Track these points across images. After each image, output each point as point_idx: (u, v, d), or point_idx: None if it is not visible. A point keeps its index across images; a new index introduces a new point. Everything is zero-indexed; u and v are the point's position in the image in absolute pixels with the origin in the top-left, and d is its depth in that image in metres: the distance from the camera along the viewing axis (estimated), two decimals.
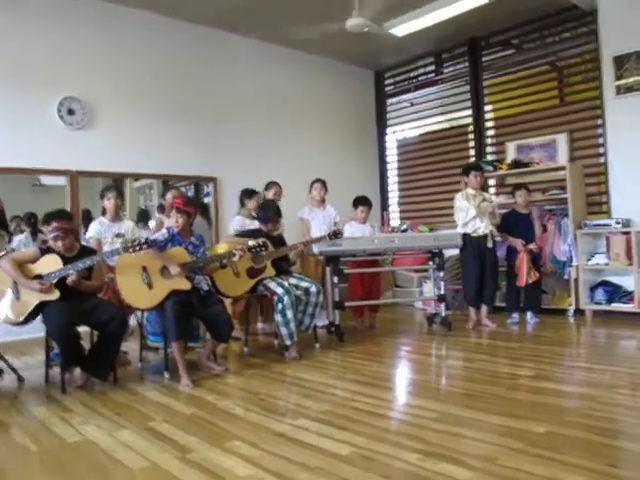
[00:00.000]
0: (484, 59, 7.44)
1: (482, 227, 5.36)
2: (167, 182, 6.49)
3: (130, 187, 6.57)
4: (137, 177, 6.45)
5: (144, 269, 3.81)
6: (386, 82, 8.65)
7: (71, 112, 5.71)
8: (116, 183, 5.96)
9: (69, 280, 3.57)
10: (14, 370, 4.05)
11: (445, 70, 7.96)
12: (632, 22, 5.73)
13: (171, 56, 6.44)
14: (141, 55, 6.23)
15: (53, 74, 5.63)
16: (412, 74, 8.36)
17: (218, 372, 3.97)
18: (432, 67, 8.11)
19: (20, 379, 4.02)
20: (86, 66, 5.84)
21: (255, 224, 4.92)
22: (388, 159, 8.62)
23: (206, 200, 6.71)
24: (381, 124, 8.62)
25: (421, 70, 8.25)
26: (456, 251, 5.85)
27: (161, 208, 5.39)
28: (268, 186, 5.71)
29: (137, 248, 3.64)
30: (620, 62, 5.83)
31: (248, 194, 5.49)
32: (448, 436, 2.57)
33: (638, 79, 5.72)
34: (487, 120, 7.51)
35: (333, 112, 8.01)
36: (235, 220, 5.43)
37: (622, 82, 5.83)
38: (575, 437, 2.50)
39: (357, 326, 5.58)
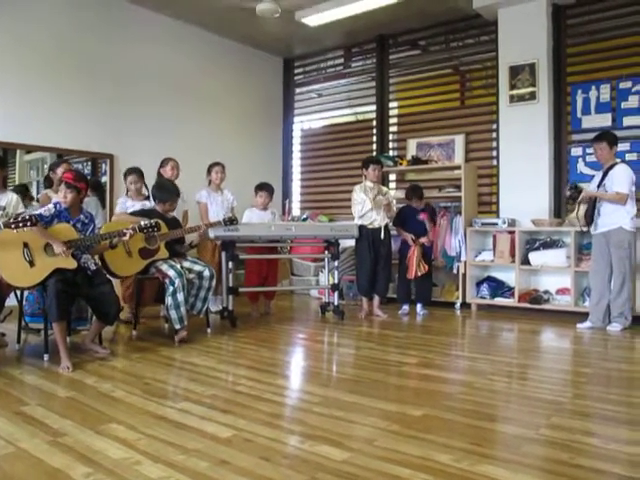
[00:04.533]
0: (391, 57, 7.62)
1: (378, 220, 5.49)
2: (61, 156, 6.15)
3: (20, 160, 6.18)
4: (29, 149, 6.06)
5: (25, 245, 3.58)
6: (295, 71, 8.65)
7: None
8: (3, 153, 5.58)
9: None
10: None
11: (353, 64, 8.08)
12: (527, 35, 6.05)
13: (74, 24, 6.08)
14: (43, 18, 5.84)
15: None
16: (322, 65, 8.42)
17: (102, 355, 3.82)
18: (341, 60, 8.21)
19: None
20: None
21: (140, 205, 4.79)
22: (293, 148, 8.63)
23: (103, 179, 6.43)
24: (288, 113, 8.62)
25: (330, 62, 8.32)
26: (351, 242, 5.96)
27: (48, 182, 5.09)
28: (164, 162, 5.45)
29: (20, 225, 3.40)
30: (515, 72, 6.15)
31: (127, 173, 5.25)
32: (329, 419, 2.61)
33: (529, 90, 6.05)
34: (391, 116, 7.71)
35: (240, 97, 7.91)
36: (119, 202, 5.20)
37: (515, 92, 6.16)
38: (448, 419, 2.62)
39: (252, 312, 5.56)
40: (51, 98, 5.92)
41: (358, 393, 3.03)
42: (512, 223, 5.97)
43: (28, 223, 3.41)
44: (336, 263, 5.44)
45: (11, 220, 3.46)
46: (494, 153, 6.59)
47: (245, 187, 5.95)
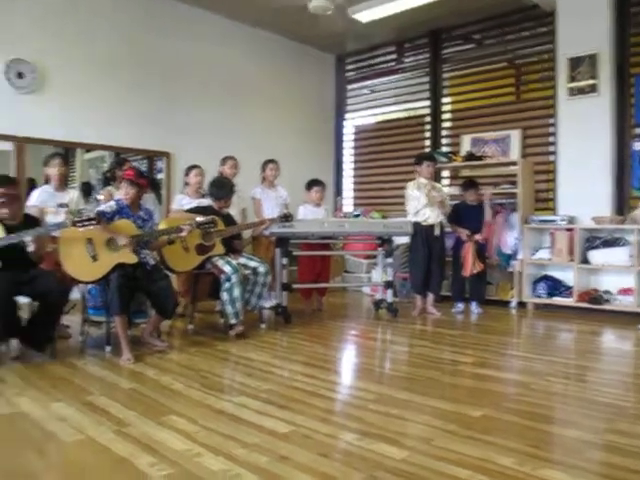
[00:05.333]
0: (444, 52, 7.51)
1: (432, 216, 5.44)
2: (119, 155, 6.33)
3: (81, 159, 6.38)
4: (89, 148, 6.26)
5: (89, 241, 3.71)
6: (347, 67, 8.63)
7: (20, 75, 5.49)
8: (64, 152, 5.77)
9: (31, 247, 3.49)
10: None
11: (406, 60, 8.00)
12: (588, 26, 5.86)
13: (130, 26, 6.25)
14: (100, 22, 6.03)
15: (1, 33, 5.39)
16: (373, 61, 8.37)
17: (160, 348, 3.92)
18: (393, 56, 8.13)
19: None
20: (38, 27, 5.61)
21: (197, 203, 4.89)
22: (344, 145, 8.62)
23: (159, 176, 6.59)
24: (340, 109, 8.62)
25: (382, 58, 8.26)
26: (407, 239, 5.92)
27: (112, 179, 5.24)
28: (224, 160, 5.59)
29: (86, 224, 3.53)
30: (574, 64, 5.96)
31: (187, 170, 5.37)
32: (385, 417, 2.61)
33: (589, 83, 5.86)
34: (444, 112, 7.61)
35: (292, 94, 7.95)
36: (176, 199, 5.32)
37: (574, 84, 5.97)
38: (506, 421, 2.58)
39: (304, 309, 5.60)
40: (110, 98, 6.09)
41: (413, 391, 3.01)
42: (571, 220, 5.80)
43: (93, 222, 3.53)
44: (389, 260, 5.41)
45: (76, 219, 3.58)
46: (552, 148, 6.41)
47: (296, 184, 5.98)
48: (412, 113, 7.97)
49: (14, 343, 3.76)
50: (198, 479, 2.00)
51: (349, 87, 8.64)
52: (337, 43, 8.07)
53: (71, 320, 4.52)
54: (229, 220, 4.59)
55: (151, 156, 6.62)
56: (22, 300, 3.65)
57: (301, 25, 7.22)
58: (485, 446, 2.27)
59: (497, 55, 7.07)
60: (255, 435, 2.39)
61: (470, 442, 2.31)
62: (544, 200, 6.48)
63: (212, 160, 5.65)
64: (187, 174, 5.25)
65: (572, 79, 5.99)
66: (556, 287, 5.86)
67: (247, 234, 5.26)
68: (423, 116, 7.76)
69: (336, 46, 8.22)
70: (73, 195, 4.57)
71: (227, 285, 4.19)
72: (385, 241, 5.44)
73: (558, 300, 5.80)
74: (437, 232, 5.46)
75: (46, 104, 5.65)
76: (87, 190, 5.60)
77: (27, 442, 2.34)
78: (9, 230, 3.56)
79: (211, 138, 6.72)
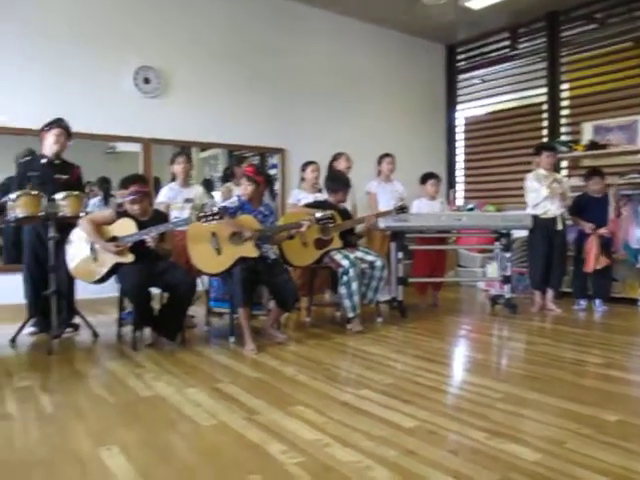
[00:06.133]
0: (563, 34, 7.13)
1: (552, 209, 5.21)
2: (232, 152, 6.57)
3: (196, 157, 6.69)
4: (204, 147, 6.56)
5: (214, 235, 3.90)
6: (458, 57, 8.43)
7: (147, 81, 5.85)
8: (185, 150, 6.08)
9: (150, 243, 3.70)
10: (90, 326, 4.25)
11: (520, 46, 7.68)
12: None
13: (244, 27, 6.47)
14: (215, 26, 6.29)
15: (131, 43, 5.76)
16: (486, 49, 8.11)
17: (281, 340, 4.04)
18: (507, 42, 7.84)
19: (95, 335, 4.22)
20: (163, 36, 5.95)
21: (313, 198, 4.97)
22: (456, 137, 8.43)
23: (272, 172, 6.77)
24: (451, 101, 8.44)
25: (495, 45, 7.99)
26: (522, 233, 5.71)
27: (230, 176, 5.46)
28: (336, 156, 5.67)
29: (210, 219, 3.71)
30: None
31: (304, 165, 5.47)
32: (513, 417, 2.54)
33: None
34: (563, 99, 7.23)
35: (403, 87, 7.90)
36: (292, 194, 5.46)
37: None
38: None
39: (419, 303, 5.56)
40: (225, 98, 6.33)
41: (541, 391, 2.91)
42: None
43: (217, 217, 3.70)
44: (507, 254, 5.25)
45: (200, 214, 3.77)
46: None
47: (408, 177, 5.93)
48: (527, 102, 7.64)
49: (148, 331, 4.03)
50: (329, 469, 2.04)
51: (460, 77, 8.44)
52: (447, 33, 7.91)
53: (195, 311, 4.77)
54: (346, 214, 4.65)
55: (263, 152, 6.82)
56: (153, 291, 3.91)
57: (411, 17, 7.14)
58: (625, 454, 2.15)
59: (622, 35, 6.61)
60: (380, 428, 2.41)
61: (608, 448, 2.20)
62: None
63: (326, 155, 5.72)
64: (304, 170, 5.36)
65: None
66: None
67: (359, 229, 5.28)
68: (540, 104, 7.42)
69: (446, 36, 8.05)
70: (197, 191, 4.80)
71: (345, 279, 4.25)
72: (503, 235, 5.27)
73: None
74: (559, 226, 5.22)
75: (168, 107, 5.98)
76: (208, 187, 5.86)
77: (168, 423, 2.50)
78: (140, 226, 3.82)
79: (324, 134, 6.82)
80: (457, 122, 8.46)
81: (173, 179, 4.79)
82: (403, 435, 2.33)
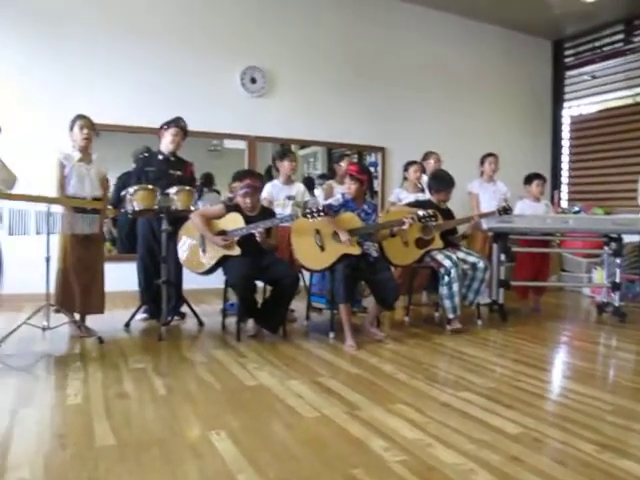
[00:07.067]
0: None
1: None
2: (331, 150, 6.66)
3: (296, 155, 6.82)
4: (305, 144, 6.68)
5: (317, 232, 3.98)
6: (566, 53, 8.08)
7: (253, 81, 6.05)
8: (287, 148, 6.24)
9: (258, 237, 3.84)
10: (196, 315, 4.47)
11: (636, 39, 7.24)
12: None
13: (346, 29, 6.57)
14: (319, 28, 6.43)
15: (239, 44, 5.99)
16: (597, 44, 7.71)
17: (379, 338, 4.06)
18: (621, 36, 7.43)
19: (201, 324, 4.43)
20: (269, 38, 6.15)
21: (414, 197, 4.93)
22: (562, 136, 8.09)
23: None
24: (557, 99, 8.11)
25: (608, 39, 7.59)
26: (634, 237, 5.39)
27: (330, 174, 5.54)
28: (426, 156, 5.63)
29: (315, 215, 3.79)
30: None
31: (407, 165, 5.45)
32: (627, 431, 2.42)
33: None
34: None
35: (504, 84, 7.69)
36: (394, 193, 5.46)
37: None
38: None
39: (520, 308, 5.39)
40: (326, 97, 6.46)
41: None
42: None
43: (321, 213, 3.78)
44: (618, 260, 4.98)
45: (306, 211, 3.86)
46: None
47: (510, 178, 5.77)
48: (639, 99, 7.20)
49: (251, 323, 4.18)
50: (432, 469, 2.04)
51: (567, 74, 8.09)
52: (554, 27, 7.61)
53: (295, 305, 4.88)
54: (448, 214, 4.59)
55: (361, 151, 6.85)
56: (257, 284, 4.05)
57: (515, 12, 6.92)
58: None
59: None
60: (483, 432, 2.37)
61: None
62: None
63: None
64: (406, 169, 5.35)
65: None
66: None
67: (461, 229, 5.20)
68: None
69: (553, 31, 7.75)
70: (299, 188, 4.91)
71: (446, 279, 4.20)
72: (613, 239, 5.01)
73: None
74: None
75: (272, 105, 6.17)
76: (308, 184, 5.98)
77: (273, 413, 2.60)
78: (248, 220, 3.96)
79: (424, 132, 6.78)
80: (563, 120, 8.10)
81: (270, 175, 4.89)
82: (506, 440, 2.29)
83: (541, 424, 2.48)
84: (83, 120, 4.02)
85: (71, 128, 4.03)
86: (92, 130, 4.06)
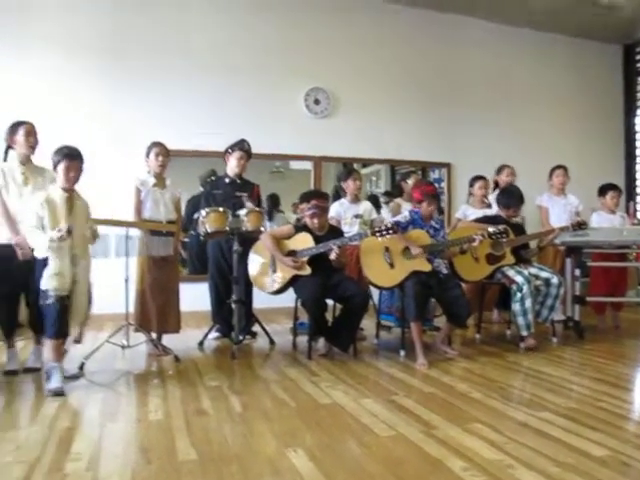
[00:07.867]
0: None
1: None
2: (395, 168, 6.67)
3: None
4: (368, 162, 6.71)
5: (387, 249, 3.99)
6: (638, 57, 7.80)
7: (317, 102, 6.15)
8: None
9: (332, 255, 3.88)
10: (268, 334, 4.54)
11: None
12: None
13: (406, 46, 6.58)
14: (380, 48, 6.50)
15: (303, 67, 6.13)
16: None
17: (451, 356, 4.01)
18: None
19: (272, 342, 4.50)
20: (334, 58, 6.25)
21: (482, 213, 4.88)
22: (637, 144, 7.79)
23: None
24: (629, 106, 7.83)
25: None
26: None
27: (396, 192, 5.54)
28: (500, 169, 5.55)
29: (384, 233, 3.81)
30: None
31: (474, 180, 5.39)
32: None
33: None
34: None
35: (571, 93, 7.50)
36: (460, 209, 5.41)
37: None
38: None
39: (597, 324, 5.20)
40: (388, 113, 6.51)
41: None
42: None
43: (390, 231, 3.79)
44: None
45: (375, 229, 3.88)
46: None
47: (581, 189, 5.60)
48: None
49: (321, 341, 4.22)
50: None
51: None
52: (624, 32, 7.38)
53: (364, 323, 4.88)
54: (519, 229, 4.51)
55: (425, 167, 6.82)
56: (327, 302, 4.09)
57: (583, 19, 6.76)
58: None
59: None
60: (566, 454, 2.30)
61: None
62: None
63: (492, 169, 5.61)
64: (472, 185, 5.30)
65: None
66: None
67: (533, 244, 5.09)
68: None
69: (623, 35, 7.52)
70: (366, 207, 4.93)
71: (518, 296, 4.12)
72: None
73: None
74: None
75: (336, 125, 6.26)
76: (374, 202, 6.00)
77: (348, 431, 2.60)
78: (317, 240, 4.02)
79: (489, 147, 6.69)
80: (637, 128, 7.81)
81: (338, 195, 4.94)
82: (593, 464, 2.21)
83: (628, 447, 2.38)
84: (159, 147, 4.20)
85: (147, 154, 4.22)
86: (167, 157, 4.23)
